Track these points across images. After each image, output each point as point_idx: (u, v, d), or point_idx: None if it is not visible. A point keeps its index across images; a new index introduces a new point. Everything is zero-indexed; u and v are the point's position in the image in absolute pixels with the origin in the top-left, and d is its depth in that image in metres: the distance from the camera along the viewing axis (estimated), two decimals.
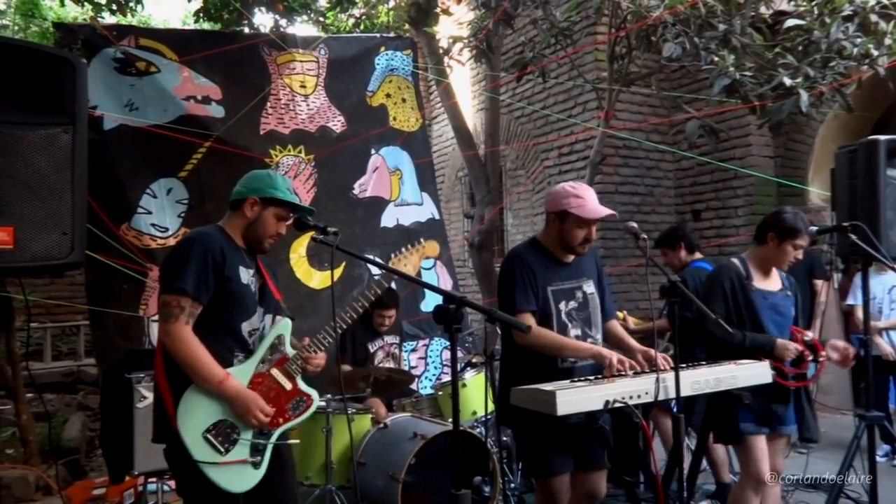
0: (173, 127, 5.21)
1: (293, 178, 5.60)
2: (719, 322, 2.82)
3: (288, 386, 2.54)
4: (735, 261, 3.23)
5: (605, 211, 2.83)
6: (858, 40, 4.47)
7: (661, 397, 2.54)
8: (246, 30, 7.44)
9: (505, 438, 4.33)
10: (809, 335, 3.15)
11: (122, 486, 4.05)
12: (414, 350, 5.94)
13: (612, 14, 5.84)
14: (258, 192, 2.52)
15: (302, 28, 8.66)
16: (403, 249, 3.16)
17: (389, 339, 4.79)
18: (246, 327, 2.48)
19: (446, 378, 5.62)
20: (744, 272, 3.17)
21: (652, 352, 2.69)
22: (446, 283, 6.23)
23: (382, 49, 6.28)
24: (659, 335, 3.54)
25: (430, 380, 5.89)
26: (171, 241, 5.11)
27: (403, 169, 6.26)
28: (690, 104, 5.97)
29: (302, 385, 2.58)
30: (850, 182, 3.45)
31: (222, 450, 2.34)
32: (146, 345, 4.84)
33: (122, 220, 5.09)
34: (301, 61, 5.83)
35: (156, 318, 3.10)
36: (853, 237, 3.23)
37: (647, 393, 2.52)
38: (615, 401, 2.42)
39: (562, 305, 2.86)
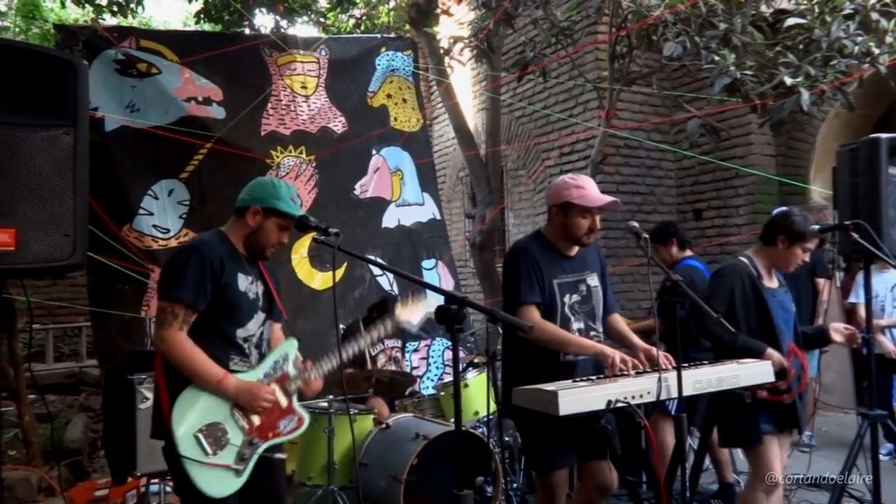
0: (174, 128, 5.23)
1: (294, 178, 5.61)
2: (720, 321, 2.81)
3: (284, 403, 2.56)
4: (744, 260, 3.21)
5: (606, 198, 2.83)
6: (859, 38, 4.46)
7: (662, 397, 2.53)
8: (247, 31, 7.45)
9: (507, 438, 4.34)
10: (800, 358, 3.10)
11: (125, 488, 4.05)
12: (416, 350, 5.95)
13: (612, 13, 5.83)
14: (260, 202, 2.51)
15: (302, 29, 8.69)
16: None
17: (391, 342, 4.78)
18: (241, 333, 2.49)
19: (448, 378, 5.62)
20: (755, 272, 3.15)
21: (654, 350, 2.68)
22: (448, 284, 6.23)
23: (383, 49, 6.29)
24: (650, 334, 3.53)
25: (432, 380, 5.89)
26: (173, 243, 5.12)
27: (404, 169, 6.26)
28: (691, 103, 5.96)
29: (296, 405, 2.61)
30: (851, 180, 3.45)
31: (210, 451, 2.34)
32: (148, 346, 4.85)
33: (124, 221, 5.11)
34: (302, 62, 5.84)
35: None
36: (855, 235, 3.24)
37: (649, 392, 2.51)
38: (617, 400, 2.41)
39: (566, 298, 2.85)
